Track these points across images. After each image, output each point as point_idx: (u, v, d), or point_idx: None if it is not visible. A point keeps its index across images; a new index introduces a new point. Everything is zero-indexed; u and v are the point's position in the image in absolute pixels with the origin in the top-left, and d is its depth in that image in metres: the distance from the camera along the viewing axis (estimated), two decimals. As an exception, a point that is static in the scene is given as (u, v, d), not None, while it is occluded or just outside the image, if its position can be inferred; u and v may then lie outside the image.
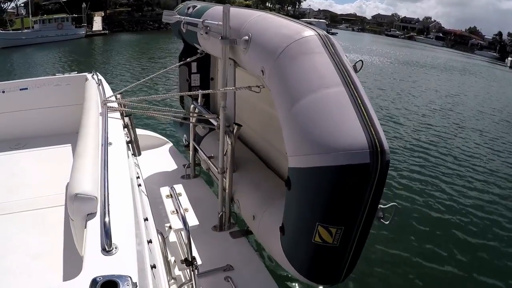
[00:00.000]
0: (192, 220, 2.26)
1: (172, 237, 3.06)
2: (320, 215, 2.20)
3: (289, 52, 2.51)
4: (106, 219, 1.83)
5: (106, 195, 2.05)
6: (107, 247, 1.70)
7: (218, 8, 4.14)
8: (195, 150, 5.00)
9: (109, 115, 3.53)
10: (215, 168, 4.16)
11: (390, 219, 2.35)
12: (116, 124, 3.41)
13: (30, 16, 55.70)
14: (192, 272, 2.61)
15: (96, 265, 1.62)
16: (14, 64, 34.26)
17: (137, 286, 1.52)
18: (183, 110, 5.43)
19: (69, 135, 5.87)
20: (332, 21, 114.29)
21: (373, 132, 2.05)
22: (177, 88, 5.94)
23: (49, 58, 35.89)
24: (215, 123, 3.93)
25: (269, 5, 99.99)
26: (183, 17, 4.63)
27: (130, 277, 1.51)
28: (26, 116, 6.01)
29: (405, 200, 7.94)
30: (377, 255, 5.85)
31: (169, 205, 2.39)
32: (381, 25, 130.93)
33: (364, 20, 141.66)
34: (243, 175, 3.96)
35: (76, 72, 6.28)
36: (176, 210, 2.31)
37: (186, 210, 2.27)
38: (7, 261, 3.18)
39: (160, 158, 6.17)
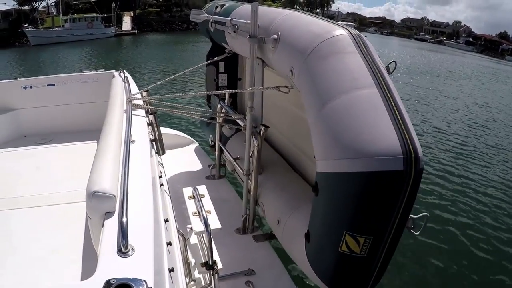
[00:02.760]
0: (214, 222, 2.20)
1: (194, 239, 3.01)
2: (348, 223, 2.11)
3: (320, 52, 2.43)
4: (124, 219, 1.78)
5: (125, 194, 2.00)
6: (123, 248, 1.64)
7: (247, 7, 4.09)
8: (221, 150, 4.97)
9: (133, 112, 3.52)
10: (240, 170, 4.11)
11: (421, 230, 2.25)
12: (140, 121, 3.38)
13: (61, 15, 56.97)
14: (212, 276, 2.56)
15: (111, 266, 1.57)
16: (44, 61, 35.07)
17: None
18: (210, 110, 5.39)
19: (94, 131, 5.91)
20: (360, 24, 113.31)
21: (407, 137, 1.95)
22: (204, 87, 5.92)
23: (79, 56, 36.57)
24: (241, 123, 3.88)
25: (298, 7, 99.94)
26: (211, 16, 4.61)
27: (145, 281, 1.45)
28: (53, 112, 6.13)
29: (436, 210, 7.73)
30: (403, 267, 5.70)
31: (191, 206, 2.34)
32: (410, 29, 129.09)
33: (393, 24, 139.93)
34: (269, 177, 3.90)
35: (103, 70, 6.33)
36: (198, 212, 2.25)
37: (208, 212, 2.21)
38: (26, 253, 3.24)
39: (185, 157, 6.17)
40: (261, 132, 3.61)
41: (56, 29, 53.93)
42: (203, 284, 3.00)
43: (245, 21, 3.49)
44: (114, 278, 1.44)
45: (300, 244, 2.73)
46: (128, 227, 1.74)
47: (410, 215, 2.12)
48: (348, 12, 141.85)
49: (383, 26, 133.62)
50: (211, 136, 5.52)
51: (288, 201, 3.43)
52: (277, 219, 3.39)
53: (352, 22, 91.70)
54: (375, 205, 2.02)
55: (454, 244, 6.66)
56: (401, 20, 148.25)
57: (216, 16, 4.48)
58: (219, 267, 2.67)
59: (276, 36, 2.96)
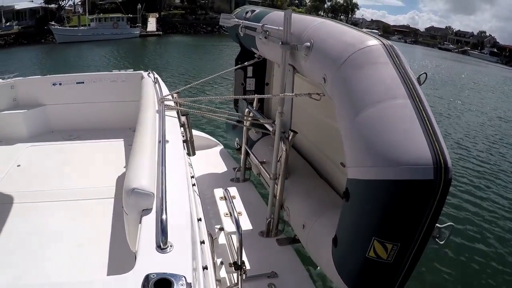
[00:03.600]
0: (245, 224, 2.28)
1: (221, 239, 3.09)
2: (377, 229, 2.16)
3: (353, 61, 2.49)
4: (163, 216, 1.86)
5: (164, 192, 2.09)
6: (162, 245, 1.72)
7: (278, 13, 4.16)
8: (247, 154, 5.04)
9: (166, 113, 3.63)
10: (266, 174, 4.17)
11: (446, 239, 2.30)
12: (173, 122, 3.49)
13: (87, 14, 57.78)
14: (240, 276, 2.63)
15: (150, 261, 1.64)
16: (69, 59, 35.69)
17: (191, 286, 1.53)
18: (236, 113, 5.47)
19: (121, 130, 6.07)
20: (384, 32, 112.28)
21: (438, 148, 2.00)
22: (231, 91, 6.01)
23: (103, 56, 37.01)
24: (270, 128, 3.94)
25: (322, 13, 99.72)
26: (241, 21, 4.68)
27: (184, 277, 1.52)
28: (81, 109, 6.30)
29: (459, 220, 7.76)
30: (426, 275, 5.77)
31: (222, 207, 2.41)
32: (435, 38, 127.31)
33: (417, 32, 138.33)
34: (295, 182, 3.95)
35: (132, 70, 6.48)
36: (230, 212, 2.33)
37: (239, 213, 2.28)
38: (53, 247, 3.36)
39: (211, 159, 6.26)
40: (290, 138, 3.67)
41: (82, 28, 54.70)
42: (228, 284, 3.08)
43: (277, 28, 3.54)
44: (154, 273, 1.52)
45: (326, 248, 2.79)
46: (168, 224, 1.82)
47: (436, 224, 2.18)
48: (372, 19, 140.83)
49: (407, 34, 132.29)
50: (237, 139, 5.60)
51: (314, 206, 3.48)
52: (303, 224, 3.44)
53: (376, 29, 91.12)
54: (404, 212, 2.07)
55: (474, 254, 6.69)
56: (425, 28, 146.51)
57: (246, 22, 4.55)
58: (247, 268, 2.74)
59: (309, 44, 3.02)
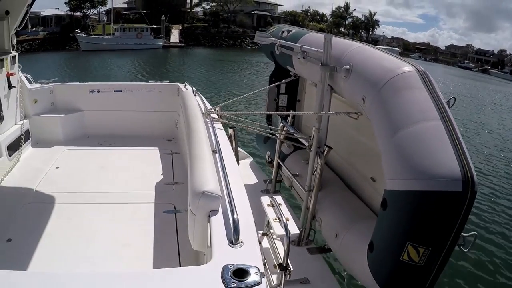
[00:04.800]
0: (293, 228, 2.56)
1: (265, 243, 3.36)
2: (411, 234, 2.46)
3: (392, 85, 2.83)
4: (235, 216, 2.18)
5: (231, 194, 2.42)
6: (234, 241, 2.05)
7: (316, 35, 4.47)
8: (279, 166, 5.29)
9: (210, 124, 3.97)
10: (299, 186, 4.44)
11: (469, 247, 2.60)
12: (221, 134, 3.81)
13: (112, 23, 58.86)
14: (284, 277, 2.90)
15: (224, 255, 1.96)
16: (93, 67, 36.36)
17: (264, 276, 1.84)
18: (269, 127, 5.72)
19: (156, 139, 6.44)
20: (405, 49, 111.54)
21: (466, 164, 2.33)
22: (259, 106, 6.30)
23: (127, 65, 37.65)
24: (306, 143, 4.22)
25: (343, 30, 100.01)
26: (278, 40, 4.97)
27: (258, 268, 1.84)
28: (117, 116, 6.68)
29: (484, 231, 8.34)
30: (450, 279, 6.28)
31: (270, 212, 2.70)
32: (455, 56, 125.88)
33: (437, 50, 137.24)
34: (327, 194, 4.21)
35: (168, 81, 6.83)
36: (279, 218, 2.60)
37: (287, 219, 2.57)
38: (100, 246, 3.66)
39: (242, 171, 6.53)
40: (325, 152, 3.96)
41: (107, 36, 55.79)
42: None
43: (316, 49, 3.84)
44: (231, 264, 1.84)
45: (359, 255, 3.07)
46: (239, 223, 2.14)
47: (461, 233, 2.47)
48: (392, 36, 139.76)
49: (427, 52, 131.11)
50: (268, 152, 5.86)
51: (347, 217, 3.74)
52: (335, 233, 3.71)
53: (396, 47, 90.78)
54: (435, 219, 2.38)
55: (492, 260, 7.21)
56: (445, 46, 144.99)
57: (283, 41, 4.83)
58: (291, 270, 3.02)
59: (348, 66, 3.34)
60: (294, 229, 2.44)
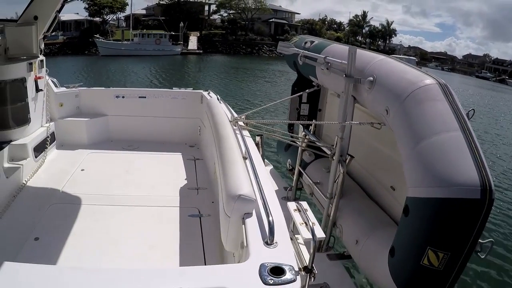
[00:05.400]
0: (319, 232, 2.70)
1: None
2: (431, 239, 2.60)
3: (415, 97, 2.99)
4: (270, 218, 2.35)
5: (265, 198, 2.59)
6: (269, 241, 2.21)
7: (339, 47, 4.61)
8: (300, 174, 5.42)
9: (237, 132, 4.14)
10: (320, 194, 4.57)
11: (486, 253, 2.73)
12: (249, 140, 3.98)
13: (131, 29, 59.58)
14: (309, 280, 3.04)
15: (261, 254, 2.12)
16: (112, 72, 36.79)
17: (298, 274, 1.99)
18: (290, 134, 5.83)
19: (178, 144, 6.63)
20: (422, 58, 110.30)
21: (484, 173, 2.48)
22: (280, 113, 6.43)
23: (145, 70, 37.99)
24: (328, 152, 4.35)
25: (360, 39, 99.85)
26: (301, 51, 5.10)
27: (293, 266, 2.00)
28: (141, 122, 6.89)
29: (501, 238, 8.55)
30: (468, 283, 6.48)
31: (297, 217, 2.84)
32: (472, 66, 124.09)
33: (454, 60, 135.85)
34: (348, 202, 4.33)
35: (191, 88, 7.01)
36: (305, 222, 2.74)
37: (313, 223, 2.71)
38: (126, 247, 3.82)
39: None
40: (347, 161, 4.10)
41: (125, 42, 56.48)
42: None
43: (340, 61, 3.98)
44: (268, 262, 2.01)
45: (380, 261, 3.20)
46: (274, 225, 2.30)
47: (479, 239, 2.61)
48: (409, 45, 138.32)
49: (444, 61, 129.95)
50: (289, 160, 6.00)
51: (367, 224, 3.86)
52: (356, 240, 3.83)
53: (413, 56, 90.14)
54: (455, 225, 2.52)
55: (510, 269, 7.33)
56: (463, 56, 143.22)
57: (306, 52, 4.97)
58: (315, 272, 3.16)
59: (372, 78, 3.49)
60: (319, 234, 2.58)
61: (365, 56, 3.95)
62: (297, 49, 5.27)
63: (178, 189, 5.09)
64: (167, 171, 5.74)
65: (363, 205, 4.30)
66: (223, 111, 4.89)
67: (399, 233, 2.98)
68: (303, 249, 2.98)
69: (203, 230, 4.17)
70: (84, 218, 4.30)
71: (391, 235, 3.11)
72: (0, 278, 1.83)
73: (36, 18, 5.49)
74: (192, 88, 7.10)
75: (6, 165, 4.97)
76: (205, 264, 3.62)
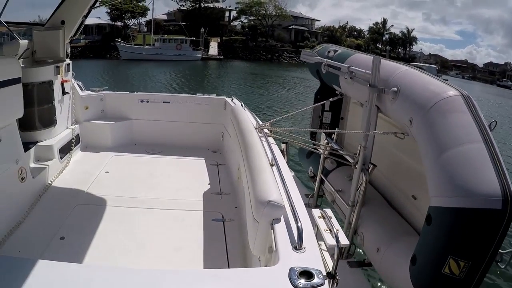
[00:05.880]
0: (343, 239, 2.77)
1: None
2: (453, 248, 2.66)
3: (439, 108, 3.06)
4: (299, 224, 2.44)
5: (293, 204, 2.69)
6: (298, 246, 2.29)
7: (363, 56, 4.69)
8: (321, 182, 5.49)
9: (263, 139, 4.23)
10: (342, 201, 4.63)
11: (506, 264, 2.79)
12: (274, 148, 4.08)
13: (152, 34, 60.27)
14: (331, 286, 3.11)
15: (290, 258, 2.20)
16: (132, 76, 37.18)
17: (326, 279, 2.07)
18: (312, 141, 5.86)
19: (201, 149, 6.74)
20: (442, 66, 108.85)
21: (506, 184, 2.54)
22: (303, 122, 6.49)
23: (166, 75, 38.36)
24: (351, 160, 4.42)
25: (380, 46, 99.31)
26: (325, 60, 5.20)
27: (321, 271, 2.08)
28: (165, 126, 7.04)
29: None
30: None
31: (322, 224, 2.92)
32: (493, 74, 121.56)
33: (475, 68, 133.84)
34: (369, 210, 4.39)
35: (215, 95, 7.14)
36: (330, 229, 2.81)
37: (338, 230, 2.78)
38: (150, 248, 3.92)
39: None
40: (370, 170, 4.15)
41: (147, 47, 57.20)
42: None
43: (364, 71, 4.06)
44: (297, 267, 2.09)
45: (401, 269, 3.26)
46: (303, 231, 2.38)
47: (499, 250, 2.67)
48: (430, 53, 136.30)
49: (465, 69, 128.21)
50: (311, 168, 6.06)
51: (389, 232, 3.91)
52: (377, 247, 3.88)
53: (434, 64, 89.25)
54: (476, 234, 2.59)
55: None
56: (483, 64, 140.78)
57: (330, 61, 5.06)
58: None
59: (396, 88, 3.57)
60: (344, 240, 2.64)
61: (389, 66, 4.02)
62: (320, 58, 5.37)
63: (202, 194, 5.18)
64: (190, 176, 5.84)
65: (384, 214, 4.35)
66: (248, 118, 4.98)
67: (421, 242, 3.04)
68: (326, 255, 3.06)
69: (227, 235, 4.25)
70: (109, 219, 4.42)
71: (412, 244, 3.17)
72: (27, 274, 1.91)
73: (63, 22, 5.68)
74: (215, 94, 7.22)
75: (32, 165, 5.12)
76: (229, 267, 3.71)
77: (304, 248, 2.30)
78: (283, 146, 4.47)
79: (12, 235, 4.03)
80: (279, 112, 19.78)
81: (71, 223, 4.32)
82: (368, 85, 3.90)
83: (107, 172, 5.74)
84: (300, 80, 41.64)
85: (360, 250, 4.53)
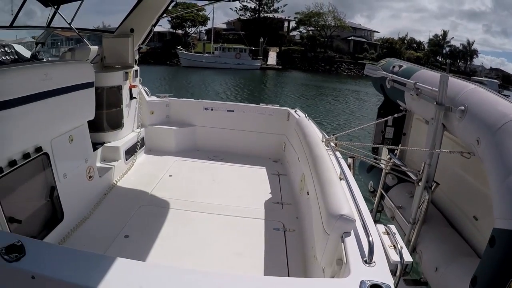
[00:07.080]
0: (406, 256, 2.81)
1: None
2: None
3: (507, 129, 3.05)
4: (370, 239, 2.51)
5: (365, 219, 2.76)
6: (368, 260, 2.36)
7: (429, 73, 4.69)
8: (381, 197, 5.50)
9: (330, 152, 4.30)
10: (402, 218, 4.64)
11: None
12: (342, 162, 4.15)
13: (212, 42, 61.36)
14: None
15: (360, 272, 2.26)
16: (192, 83, 37.90)
17: None
18: (376, 156, 5.87)
19: (263, 159, 6.86)
20: (504, 81, 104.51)
21: None
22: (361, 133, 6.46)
23: (224, 83, 38.81)
24: (414, 177, 4.44)
25: (440, 59, 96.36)
26: (390, 75, 5.23)
27: (390, 285, 2.14)
28: (227, 134, 7.21)
29: None
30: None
31: (386, 240, 2.96)
32: None
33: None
34: (429, 228, 4.37)
35: (278, 105, 7.27)
36: (394, 245, 2.85)
37: (401, 247, 2.81)
38: (211, 252, 4.04)
39: None
40: (433, 188, 4.16)
41: (206, 55, 58.27)
42: None
43: (431, 88, 4.09)
44: (367, 280, 2.16)
45: None
46: (374, 245, 2.46)
47: None
48: (491, 67, 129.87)
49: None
50: (371, 182, 6.09)
51: (448, 252, 3.91)
52: (436, 267, 3.88)
53: (495, 78, 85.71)
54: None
55: None
56: None
57: (395, 76, 5.10)
58: None
59: (463, 107, 3.58)
60: (407, 257, 2.67)
61: (456, 84, 4.03)
62: (385, 73, 5.42)
63: (263, 202, 5.27)
64: (252, 184, 5.96)
65: (444, 233, 4.32)
66: (314, 130, 5.07)
67: (483, 263, 3.01)
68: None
69: (287, 244, 4.32)
70: (172, 221, 4.59)
71: (472, 265, 3.16)
72: (92, 268, 2.08)
73: (132, 30, 6.04)
74: (278, 105, 7.35)
75: (98, 164, 5.41)
76: (288, 274, 3.79)
77: (374, 262, 2.35)
78: (349, 160, 4.51)
79: (77, 230, 4.29)
80: (337, 124, 19.67)
81: (136, 222, 4.53)
82: (435, 103, 3.91)
83: (170, 175, 5.96)
84: (357, 92, 41.20)
85: (416, 269, 4.49)
